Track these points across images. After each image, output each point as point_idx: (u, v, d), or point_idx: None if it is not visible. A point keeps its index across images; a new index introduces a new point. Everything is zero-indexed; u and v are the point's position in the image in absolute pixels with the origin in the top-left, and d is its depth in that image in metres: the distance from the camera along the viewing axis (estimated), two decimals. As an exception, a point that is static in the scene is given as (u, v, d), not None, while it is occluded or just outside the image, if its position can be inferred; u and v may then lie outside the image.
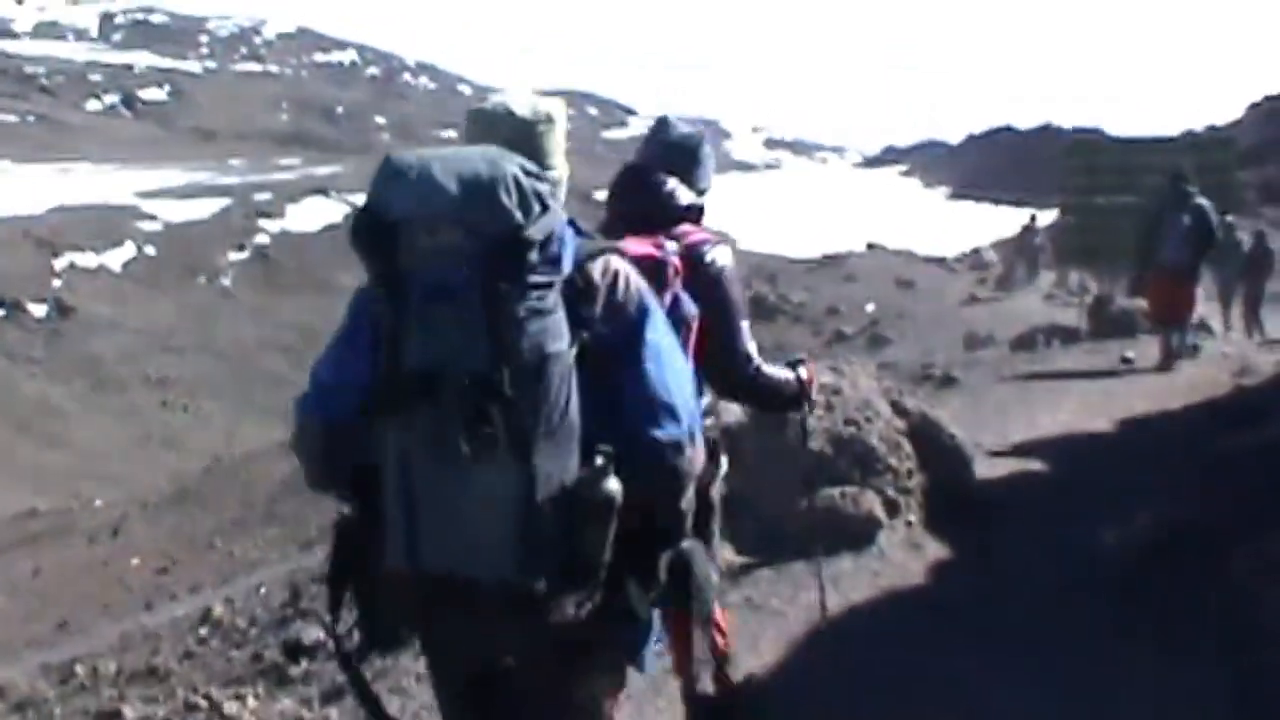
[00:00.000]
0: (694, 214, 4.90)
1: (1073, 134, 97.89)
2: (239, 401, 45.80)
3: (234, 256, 63.48)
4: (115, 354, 48.80)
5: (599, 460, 2.98)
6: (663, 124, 5.17)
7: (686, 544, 3.25)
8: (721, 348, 4.74)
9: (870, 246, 47.84)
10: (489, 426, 2.90)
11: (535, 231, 2.94)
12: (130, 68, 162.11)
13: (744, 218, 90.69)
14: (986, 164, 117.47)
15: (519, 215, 2.93)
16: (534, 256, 2.94)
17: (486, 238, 2.91)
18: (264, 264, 63.47)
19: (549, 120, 3.39)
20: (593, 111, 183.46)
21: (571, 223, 3.16)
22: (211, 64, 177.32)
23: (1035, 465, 11.26)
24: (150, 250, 62.17)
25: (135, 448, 40.09)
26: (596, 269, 3.15)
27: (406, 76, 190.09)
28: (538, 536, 2.96)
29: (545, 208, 2.98)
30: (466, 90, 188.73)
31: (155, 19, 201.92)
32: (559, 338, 2.98)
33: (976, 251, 51.78)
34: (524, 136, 3.29)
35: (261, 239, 66.12)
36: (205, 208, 70.72)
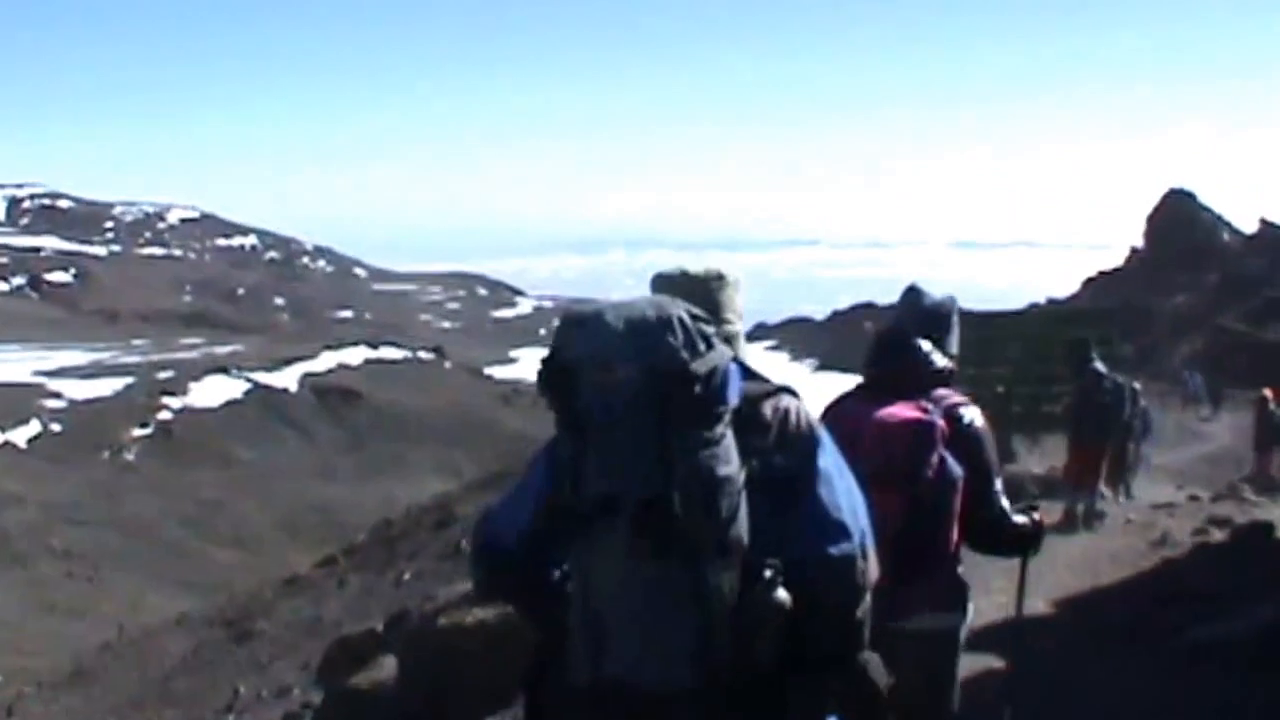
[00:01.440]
0: (947, 377, 5.00)
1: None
2: (143, 572, 45.30)
3: (137, 432, 63.09)
4: (20, 527, 48.18)
5: (767, 573, 3.03)
6: (915, 291, 5.28)
7: (863, 655, 3.26)
8: (980, 503, 4.84)
9: None
10: (662, 544, 2.99)
11: (700, 366, 3.03)
12: (37, 250, 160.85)
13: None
14: (849, 338, 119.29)
15: (684, 352, 3.03)
16: (699, 389, 3.02)
17: (654, 372, 3.01)
18: (167, 439, 63.09)
19: (720, 278, 3.60)
20: (483, 292, 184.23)
21: (742, 366, 3.29)
22: (116, 248, 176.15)
23: (988, 661, 9.23)
24: (56, 427, 61.72)
25: (40, 618, 39.38)
26: (768, 405, 3.25)
27: (305, 259, 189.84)
28: (712, 647, 3.02)
29: (710, 346, 3.08)
30: (362, 273, 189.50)
31: (62, 204, 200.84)
32: (727, 463, 3.05)
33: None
34: (700, 292, 3.45)
35: (164, 415, 65.76)
36: (109, 386, 70.47)
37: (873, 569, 3.21)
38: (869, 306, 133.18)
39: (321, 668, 15.32)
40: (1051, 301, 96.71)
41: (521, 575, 3.31)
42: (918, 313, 5.18)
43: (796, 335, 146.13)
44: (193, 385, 70.88)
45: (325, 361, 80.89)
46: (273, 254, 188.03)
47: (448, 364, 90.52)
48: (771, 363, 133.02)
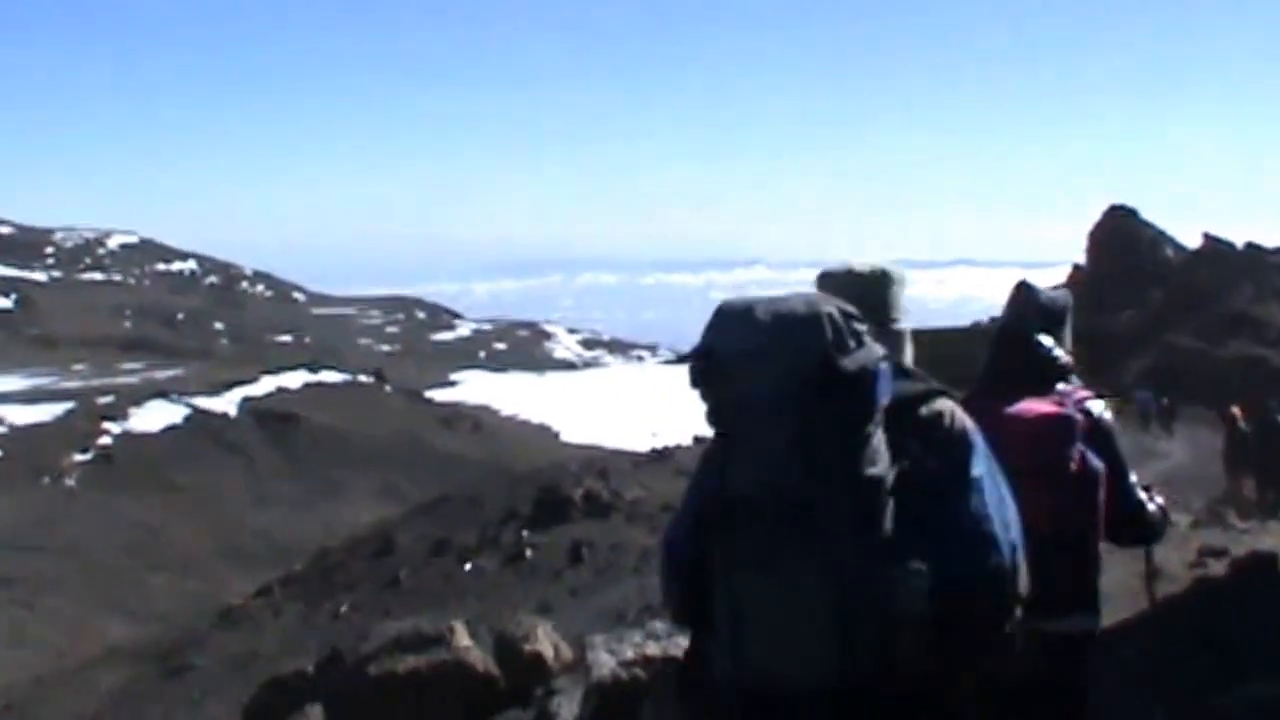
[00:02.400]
0: (1069, 371, 4.96)
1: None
2: (83, 598, 44.57)
3: (78, 458, 62.32)
4: (-40, 554, 47.29)
5: (911, 579, 2.98)
6: (1029, 288, 5.27)
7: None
8: (1119, 496, 4.79)
9: (697, 440, 45.47)
10: (807, 542, 2.94)
11: (849, 363, 2.99)
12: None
13: (570, 414, 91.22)
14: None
15: (833, 349, 2.98)
16: (848, 387, 2.98)
17: (801, 369, 2.97)
18: (107, 465, 62.33)
19: (885, 275, 3.57)
20: (421, 316, 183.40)
21: (899, 366, 3.27)
22: (57, 274, 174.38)
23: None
24: (-4, 453, 60.86)
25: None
26: (922, 406, 3.23)
27: (244, 284, 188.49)
28: (853, 649, 2.96)
29: (860, 344, 3.04)
30: (301, 297, 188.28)
31: (2, 230, 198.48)
32: (874, 463, 3.00)
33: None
34: (867, 291, 3.42)
35: (105, 441, 65.01)
36: (49, 411, 69.60)
37: (1023, 583, 3.15)
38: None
39: (250, 710, 14.90)
40: (994, 319, 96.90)
41: (689, 576, 3.25)
42: (1033, 308, 5.16)
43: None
44: (133, 410, 70.05)
45: (265, 386, 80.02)
46: (212, 279, 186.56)
47: (387, 387, 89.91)
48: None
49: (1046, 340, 4.95)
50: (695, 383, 3.11)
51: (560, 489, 28.20)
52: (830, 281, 3.52)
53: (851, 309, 3.09)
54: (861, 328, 3.06)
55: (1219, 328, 65.52)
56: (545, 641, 9.97)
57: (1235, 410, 25.62)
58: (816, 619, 2.97)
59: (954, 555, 3.04)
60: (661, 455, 36.78)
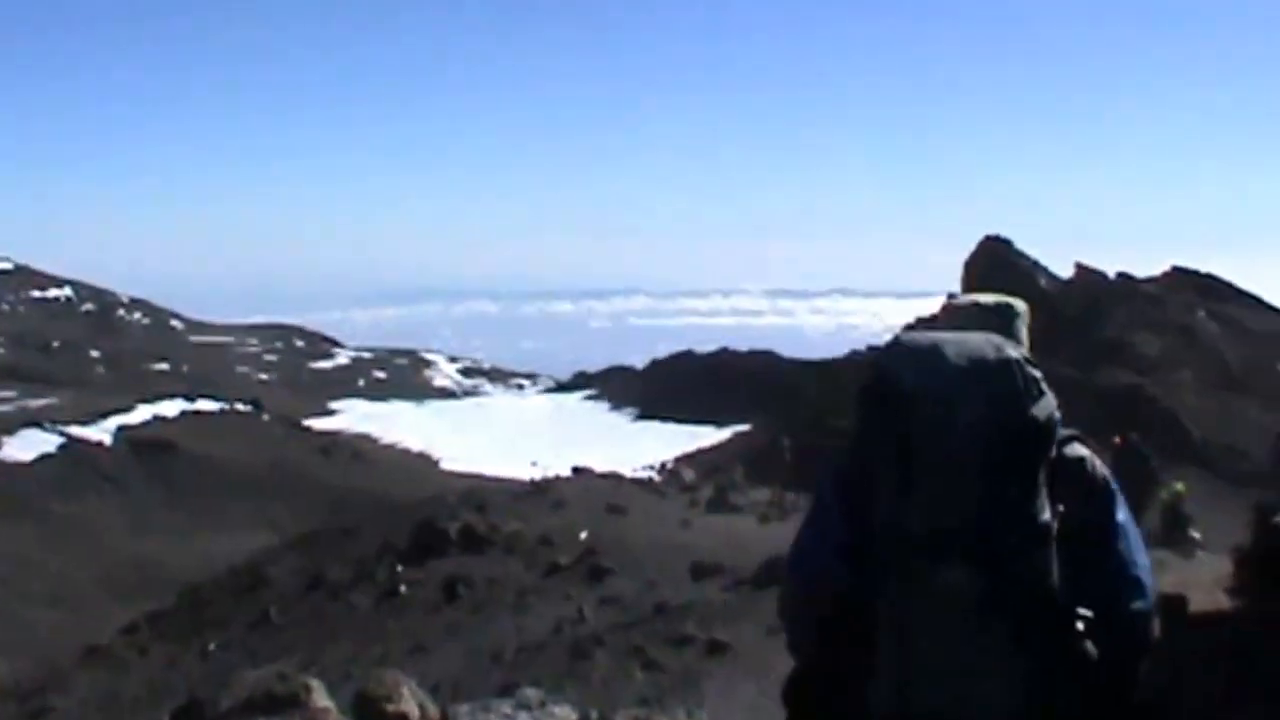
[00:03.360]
0: None
1: (748, 357, 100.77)
2: (-46, 633, 43.24)
3: (-51, 487, 60.59)
4: None
5: (1079, 625, 3.03)
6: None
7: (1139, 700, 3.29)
8: None
9: (577, 470, 44.67)
10: (992, 587, 2.94)
11: (1039, 412, 3.04)
12: None
13: (450, 442, 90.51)
14: (669, 387, 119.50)
15: (1025, 398, 3.03)
16: (1038, 436, 3.03)
17: (998, 417, 2.99)
18: (-21, 494, 60.70)
19: (1011, 310, 3.58)
20: (300, 344, 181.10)
21: None
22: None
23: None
24: None
25: None
26: (1071, 452, 3.25)
27: (120, 312, 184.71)
28: (1030, 693, 2.98)
29: (1043, 392, 3.08)
30: (179, 325, 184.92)
31: None
32: (1045, 511, 3.02)
33: (675, 472, 51.82)
34: (991, 324, 3.41)
35: (-24, 469, 63.32)
36: (-79, 439, 67.75)
37: (1157, 625, 3.26)
38: (687, 355, 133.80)
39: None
40: (872, 349, 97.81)
41: (842, 590, 3.18)
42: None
43: (616, 384, 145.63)
44: (6, 439, 68.45)
45: (141, 414, 78.57)
46: (88, 306, 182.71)
47: (265, 415, 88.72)
48: (592, 412, 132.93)
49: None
50: (872, 414, 3.13)
51: (436, 522, 27.80)
52: (960, 315, 3.57)
53: (1030, 355, 3.18)
54: (1038, 374, 3.11)
55: (1093, 356, 66.54)
56: (410, 700, 9.54)
57: (1117, 441, 24.38)
58: (994, 667, 2.98)
59: (1107, 599, 3.13)
60: (540, 488, 35.89)
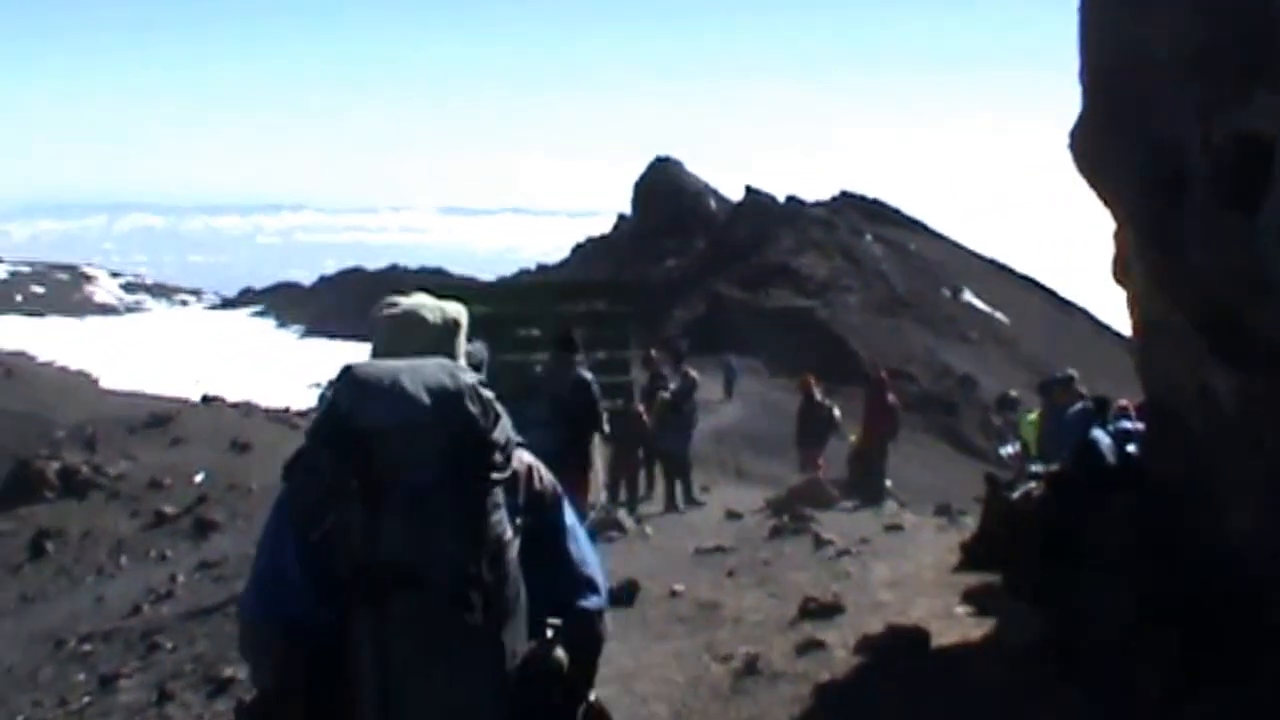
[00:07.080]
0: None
1: (418, 274, 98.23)
2: None
3: None
4: None
5: (549, 633, 3.06)
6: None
7: (594, 695, 3.29)
8: None
9: (206, 400, 37.67)
10: (470, 610, 2.91)
11: (498, 434, 3.04)
12: None
13: (112, 360, 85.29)
14: (338, 304, 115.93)
15: (483, 421, 3.00)
16: (498, 456, 3.02)
17: (459, 442, 2.95)
18: None
19: (457, 325, 3.38)
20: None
21: None
22: None
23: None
24: None
25: None
26: (519, 464, 3.17)
27: None
28: (507, 705, 2.97)
29: (499, 414, 3.08)
30: None
31: None
32: (508, 526, 3.02)
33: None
34: (445, 340, 3.28)
35: None
36: None
37: (609, 623, 3.33)
38: (356, 271, 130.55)
39: None
40: (542, 268, 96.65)
41: (315, 642, 2.98)
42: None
43: (283, 301, 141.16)
44: None
45: None
46: None
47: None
48: (258, 329, 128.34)
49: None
50: (333, 454, 2.97)
51: (33, 462, 23.33)
52: (403, 327, 3.31)
53: (483, 377, 3.14)
54: (490, 395, 3.08)
55: (761, 279, 66.48)
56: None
57: (809, 379, 22.64)
58: (474, 684, 2.95)
59: (564, 598, 3.19)
60: (160, 420, 29.50)
